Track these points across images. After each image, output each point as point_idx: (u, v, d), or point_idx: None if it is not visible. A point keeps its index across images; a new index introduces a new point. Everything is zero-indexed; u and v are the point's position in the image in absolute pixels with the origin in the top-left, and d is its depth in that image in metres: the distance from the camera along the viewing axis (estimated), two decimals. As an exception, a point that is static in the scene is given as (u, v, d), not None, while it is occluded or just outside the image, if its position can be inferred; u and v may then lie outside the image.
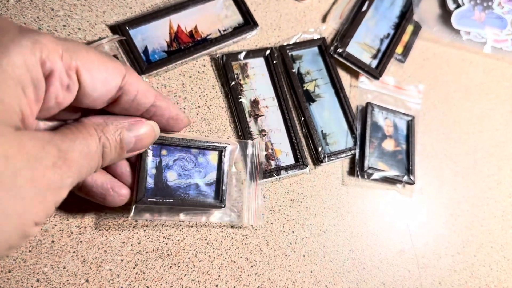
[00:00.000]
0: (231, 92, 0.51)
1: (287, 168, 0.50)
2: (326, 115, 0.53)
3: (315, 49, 0.55)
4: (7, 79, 0.24)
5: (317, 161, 0.51)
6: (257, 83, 0.51)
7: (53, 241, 0.43)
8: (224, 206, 0.46)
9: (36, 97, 0.27)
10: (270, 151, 0.50)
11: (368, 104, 0.55)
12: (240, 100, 0.50)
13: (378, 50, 0.57)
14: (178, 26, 0.51)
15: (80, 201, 0.44)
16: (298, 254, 0.49)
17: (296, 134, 0.51)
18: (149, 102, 0.36)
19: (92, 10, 0.50)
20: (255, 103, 0.51)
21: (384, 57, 0.56)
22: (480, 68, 0.63)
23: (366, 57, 0.56)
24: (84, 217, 0.44)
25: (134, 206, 0.44)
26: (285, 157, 0.51)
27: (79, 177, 0.29)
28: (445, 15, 0.62)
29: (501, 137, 0.61)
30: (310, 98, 0.53)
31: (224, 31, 0.53)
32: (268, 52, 0.53)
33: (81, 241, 0.44)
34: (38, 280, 0.42)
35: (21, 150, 0.24)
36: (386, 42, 0.57)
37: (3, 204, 0.22)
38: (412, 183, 0.54)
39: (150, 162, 0.45)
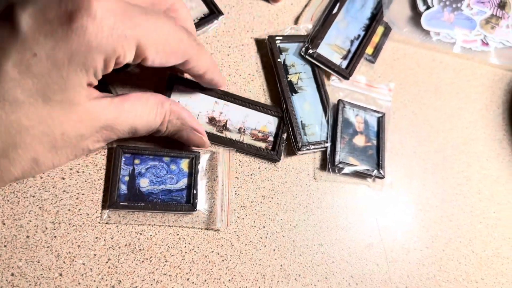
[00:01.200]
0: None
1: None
2: (307, 107, 0.55)
3: (301, 44, 0.57)
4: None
5: (296, 149, 0.53)
6: (193, 104, 0.52)
7: (27, 236, 0.45)
8: (196, 210, 0.48)
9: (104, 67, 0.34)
10: (260, 134, 0.52)
11: (339, 101, 0.57)
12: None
13: (349, 51, 0.59)
14: None
15: (54, 198, 0.46)
16: (268, 248, 0.50)
17: (258, 103, 0.53)
18: (201, 72, 0.44)
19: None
20: (211, 120, 0.52)
21: (354, 57, 0.57)
22: (450, 68, 0.65)
23: (336, 58, 0.58)
24: (59, 213, 0.46)
25: (107, 211, 0.46)
26: (272, 126, 0.54)
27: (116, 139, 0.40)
28: (415, 17, 0.64)
29: (470, 135, 0.63)
30: (293, 89, 0.55)
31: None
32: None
33: (55, 236, 0.45)
34: (12, 274, 0.44)
35: (79, 126, 0.34)
36: (356, 43, 0.59)
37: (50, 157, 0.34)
38: (382, 177, 0.55)
39: (123, 170, 0.47)
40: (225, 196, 0.50)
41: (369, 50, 0.60)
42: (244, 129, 0.52)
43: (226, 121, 0.52)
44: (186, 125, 0.44)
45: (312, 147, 0.53)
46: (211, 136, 0.50)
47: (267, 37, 0.56)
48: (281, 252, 0.51)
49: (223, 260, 0.49)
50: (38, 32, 0.31)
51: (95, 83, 0.35)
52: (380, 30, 0.61)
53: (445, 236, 0.57)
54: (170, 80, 0.50)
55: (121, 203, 0.47)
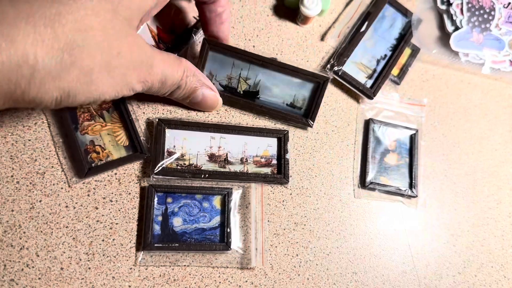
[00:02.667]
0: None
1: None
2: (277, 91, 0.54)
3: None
4: None
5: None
6: (190, 145, 0.51)
7: (62, 268, 0.44)
8: (230, 249, 0.47)
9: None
10: (263, 160, 0.52)
11: (370, 120, 0.56)
12: (203, 175, 0.50)
13: (374, 71, 0.58)
14: (157, 27, 0.52)
15: (88, 228, 0.45)
16: (302, 277, 0.50)
17: (253, 129, 0.52)
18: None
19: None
20: (212, 157, 0.51)
21: (380, 77, 0.57)
22: (479, 89, 0.65)
23: (361, 77, 0.57)
24: (92, 244, 0.45)
25: (142, 253, 0.46)
26: (272, 148, 0.53)
27: (147, 90, 0.41)
28: (444, 38, 0.63)
29: (500, 157, 0.62)
30: (252, 94, 0.53)
31: (199, 16, 0.54)
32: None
33: (89, 268, 0.45)
34: (47, 307, 0.43)
35: (131, 55, 0.36)
36: (382, 63, 0.58)
37: (104, 79, 0.35)
38: (415, 196, 0.55)
39: (156, 210, 0.47)
40: (259, 234, 0.49)
41: (395, 71, 0.60)
42: (246, 159, 0.51)
43: (227, 154, 0.51)
44: (201, 82, 0.46)
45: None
46: (216, 174, 0.49)
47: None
48: (315, 281, 0.50)
49: (257, 290, 0.48)
50: None
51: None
52: (407, 51, 0.61)
53: (477, 261, 0.57)
54: (159, 125, 0.49)
55: (155, 245, 0.46)
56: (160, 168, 0.48)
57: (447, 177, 0.59)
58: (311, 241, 0.51)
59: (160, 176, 0.48)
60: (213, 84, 0.51)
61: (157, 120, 0.49)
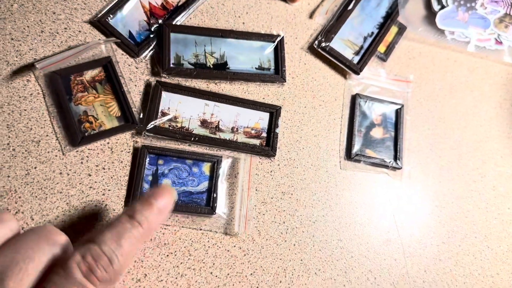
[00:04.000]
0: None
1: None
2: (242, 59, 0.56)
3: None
4: None
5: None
6: (184, 109, 0.53)
7: (56, 231, 0.46)
8: (215, 213, 0.49)
9: None
10: (253, 132, 0.53)
11: (356, 95, 0.58)
12: (193, 138, 0.51)
13: (361, 47, 0.60)
14: (149, 3, 0.54)
15: (81, 194, 0.47)
16: (288, 243, 0.51)
17: (248, 101, 0.54)
18: None
19: (91, 14, 0.53)
20: (203, 123, 0.53)
21: (366, 54, 0.59)
22: (465, 66, 0.66)
23: (348, 53, 0.59)
24: (85, 209, 0.47)
25: None
26: (264, 122, 0.54)
27: None
28: (430, 16, 0.65)
29: (485, 133, 0.64)
30: (221, 65, 0.55)
31: None
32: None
33: (83, 232, 0.46)
34: (42, 268, 0.45)
35: None
36: (369, 40, 0.60)
37: None
38: (399, 167, 0.56)
39: (147, 170, 0.49)
40: (244, 202, 0.51)
41: (382, 48, 0.61)
42: (237, 128, 0.53)
43: (218, 122, 0.53)
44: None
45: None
46: (206, 139, 0.51)
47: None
48: (301, 247, 0.52)
49: (245, 255, 0.50)
50: None
51: None
52: (394, 29, 0.62)
53: (461, 231, 0.58)
54: (156, 87, 0.51)
55: None
56: (153, 126, 0.50)
57: (432, 151, 0.60)
58: (298, 209, 0.53)
59: (152, 134, 0.50)
60: (182, 64, 0.53)
61: (155, 81, 0.51)
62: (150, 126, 0.50)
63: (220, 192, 0.50)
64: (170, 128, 0.51)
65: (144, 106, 0.51)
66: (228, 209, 0.50)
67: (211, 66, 0.54)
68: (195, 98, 0.52)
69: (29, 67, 0.49)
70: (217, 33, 0.55)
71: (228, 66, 0.55)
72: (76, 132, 0.48)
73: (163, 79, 0.52)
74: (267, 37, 0.56)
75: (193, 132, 0.51)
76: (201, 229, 0.49)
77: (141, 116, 0.51)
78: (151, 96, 0.51)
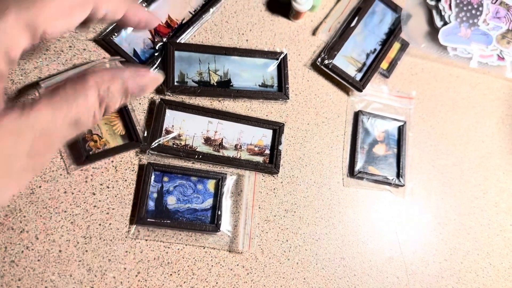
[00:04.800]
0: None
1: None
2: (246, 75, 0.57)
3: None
4: None
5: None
6: (188, 127, 0.53)
7: (60, 251, 0.46)
8: (219, 231, 0.50)
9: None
10: (256, 149, 0.53)
11: (359, 111, 0.58)
12: (197, 156, 0.52)
13: (364, 64, 0.60)
14: None
15: (85, 213, 0.47)
16: (291, 262, 0.51)
17: (251, 118, 0.54)
18: (118, 16, 0.36)
19: (96, 32, 0.53)
20: (207, 140, 0.53)
21: (369, 71, 0.59)
22: (467, 82, 0.66)
23: (351, 70, 0.59)
24: (89, 228, 0.47)
25: (134, 226, 0.48)
26: (267, 139, 0.55)
27: (64, 141, 0.30)
28: (433, 32, 0.65)
29: (487, 149, 0.64)
30: (225, 83, 0.56)
31: (194, 11, 0.56)
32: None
33: (86, 251, 0.47)
34: (46, 288, 0.45)
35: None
36: (372, 57, 0.60)
37: None
38: (402, 185, 0.57)
39: (152, 187, 0.49)
40: (248, 219, 0.51)
41: (384, 65, 0.61)
42: (240, 146, 0.54)
43: (222, 139, 0.53)
44: (126, 78, 0.33)
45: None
46: (209, 157, 0.51)
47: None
48: (304, 266, 0.52)
49: (248, 273, 0.50)
50: None
51: None
52: (396, 46, 0.62)
53: (463, 249, 0.58)
54: (161, 105, 0.52)
55: (148, 219, 0.48)
56: (157, 144, 0.50)
57: (434, 167, 0.60)
58: (301, 227, 0.53)
59: (156, 152, 0.50)
60: (186, 82, 0.54)
61: (159, 99, 0.51)
62: (154, 144, 0.50)
63: (224, 209, 0.50)
64: (174, 146, 0.51)
65: (149, 124, 0.51)
66: (232, 226, 0.51)
67: (215, 84, 0.55)
68: (198, 116, 0.53)
69: (34, 86, 0.49)
70: (221, 50, 0.55)
71: (231, 84, 0.55)
72: (80, 151, 0.48)
73: (167, 97, 0.52)
74: (271, 55, 0.57)
75: (197, 149, 0.52)
76: (205, 247, 0.49)
77: (145, 134, 0.51)
78: (155, 114, 0.51)
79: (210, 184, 0.51)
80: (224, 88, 0.55)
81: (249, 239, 0.50)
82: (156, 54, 0.54)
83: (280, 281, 0.50)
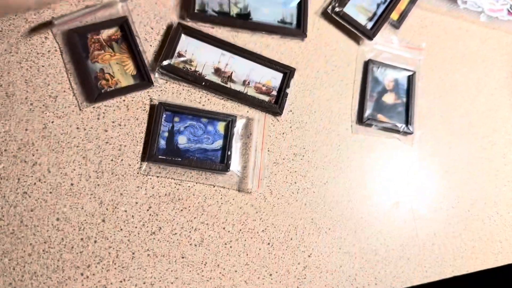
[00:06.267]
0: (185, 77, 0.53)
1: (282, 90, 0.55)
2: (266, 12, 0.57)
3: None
4: None
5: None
6: (201, 55, 0.54)
7: (72, 184, 0.47)
8: (229, 170, 0.50)
9: None
10: (264, 88, 0.54)
11: (369, 60, 0.58)
12: (204, 83, 0.52)
13: (374, 14, 0.60)
14: None
15: (98, 148, 0.48)
16: (300, 203, 0.52)
17: (264, 58, 0.55)
18: None
19: (108, -25, 0.53)
20: (217, 71, 0.54)
21: (379, 20, 0.59)
22: (477, 36, 0.66)
23: (362, 19, 0.59)
24: (101, 163, 0.48)
25: (146, 163, 0.48)
26: (276, 81, 0.55)
27: None
28: (443, -15, 0.65)
29: (496, 102, 0.64)
30: (244, 16, 0.56)
31: None
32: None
33: (98, 185, 0.47)
34: (58, 219, 0.46)
35: None
36: (382, 7, 0.60)
37: None
38: (410, 132, 0.57)
39: (163, 126, 0.50)
40: (257, 160, 0.51)
41: (395, 15, 0.61)
42: (248, 82, 0.54)
43: (232, 72, 0.54)
44: None
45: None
46: (216, 86, 0.52)
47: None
48: (312, 207, 0.52)
49: (256, 212, 0.50)
50: None
51: None
52: (407, -3, 0.62)
53: (471, 197, 0.59)
54: (177, 28, 0.52)
55: (159, 157, 0.49)
56: (167, 63, 0.51)
57: (443, 117, 0.61)
58: (309, 170, 0.53)
59: (165, 72, 0.51)
60: (206, 11, 0.55)
61: (177, 23, 0.52)
62: (165, 63, 0.50)
63: (234, 151, 0.51)
64: (184, 69, 0.52)
65: (163, 46, 0.52)
66: (241, 167, 0.51)
67: (235, 15, 0.55)
68: (213, 47, 0.53)
69: (47, 25, 0.50)
70: None
71: (251, 17, 0.56)
72: (92, 89, 0.49)
73: (185, 23, 0.53)
74: None
75: (206, 77, 0.52)
76: (215, 186, 0.50)
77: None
78: (170, 36, 0.52)
79: (220, 126, 0.51)
80: (243, 20, 0.55)
81: (258, 179, 0.51)
82: None
83: (288, 220, 0.51)
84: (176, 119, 0.50)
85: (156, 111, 0.49)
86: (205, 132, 0.51)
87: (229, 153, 0.50)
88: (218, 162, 0.50)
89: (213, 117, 0.51)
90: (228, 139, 0.51)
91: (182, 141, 0.50)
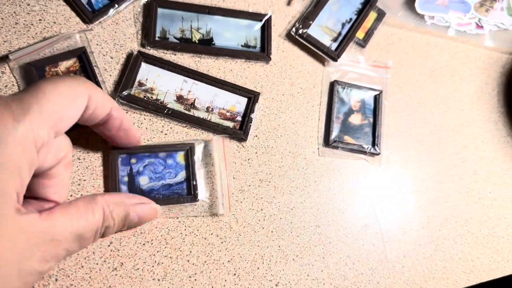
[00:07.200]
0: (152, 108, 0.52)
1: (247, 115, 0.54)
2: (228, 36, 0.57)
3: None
4: (6, 169, 0.26)
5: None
6: (162, 82, 0.53)
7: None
8: (197, 200, 0.49)
9: (30, 174, 0.30)
10: (228, 114, 0.53)
11: (335, 81, 0.58)
12: (166, 111, 0.51)
13: (339, 34, 0.59)
14: None
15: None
16: (266, 230, 0.52)
17: (227, 83, 0.54)
18: (105, 112, 0.39)
19: (66, 5, 0.52)
20: (179, 98, 0.53)
21: (344, 40, 0.58)
22: (445, 51, 0.66)
23: (326, 40, 0.59)
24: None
25: None
26: (241, 106, 0.54)
27: (66, 256, 0.32)
28: (410, 1, 0.64)
29: (466, 117, 0.64)
30: (207, 41, 0.56)
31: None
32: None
33: (58, 221, 0.47)
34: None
35: (14, 246, 0.27)
36: (347, 26, 0.60)
37: None
38: (377, 153, 0.57)
39: (121, 171, 0.48)
40: (224, 182, 0.51)
41: (361, 34, 0.61)
42: (212, 108, 0.53)
43: (195, 99, 0.53)
44: (129, 204, 0.39)
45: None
46: (179, 114, 0.51)
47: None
48: (278, 234, 0.52)
49: (222, 242, 0.50)
50: None
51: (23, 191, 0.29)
52: (372, 15, 0.62)
53: (441, 216, 0.58)
54: (137, 57, 0.51)
55: None
56: (127, 93, 0.50)
57: (411, 136, 0.60)
58: (276, 196, 0.53)
59: (125, 102, 0.50)
60: (168, 38, 0.54)
61: (137, 51, 0.52)
62: (124, 93, 0.50)
63: (199, 178, 0.50)
64: (145, 98, 0.51)
65: (122, 75, 0.51)
66: (210, 192, 0.50)
67: (197, 41, 0.55)
68: (175, 74, 0.53)
69: (3, 59, 0.49)
70: (204, 9, 0.56)
71: (213, 42, 0.55)
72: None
73: (146, 51, 0.53)
74: (255, 16, 0.57)
75: (168, 105, 0.51)
76: (178, 217, 0.49)
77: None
78: (130, 65, 0.51)
79: (180, 157, 0.51)
80: (206, 45, 0.55)
81: (228, 200, 0.50)
82: (110, 4, 0.53)
83: (254, 249, 0.51)
84: (133, 160, 0.49)
85: (110, 158, 0.48)
86: (166, 167, 0.50)
87: (194, 182, 0.50)
88: (186, 194, 0.49)
89: (170, 149, 0.50)
90: (191, 168, 0.50)
91: (144, 181, 0.49)
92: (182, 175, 0.50)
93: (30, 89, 0.31)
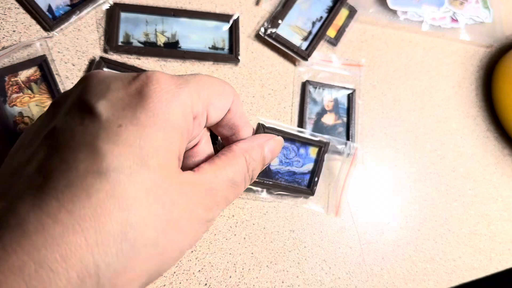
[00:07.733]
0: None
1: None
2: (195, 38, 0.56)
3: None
4: (173, 129, 0.29)
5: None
6: None
7: None
8: (313, 195, 0.51)
9: (188, 138, 0.32)
10: None
11: (306, 81, 0.56)
12: None
13: (310, 33, 0.58)
14: None
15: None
16: (238, 237, 0.50)
17: None
18: (242, 124, 0.38)
19: (26, 12, 0.51)
20: None
21: (314, 39, 0.57)
22: (420, 47, 0.65)
23: (296, 39, 0.57)
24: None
25: None
26: None
27: (226, 204, 0.34)
28: (381, -3, 0.63)
29: (443, 113, 0.62)
30: (172, 45, 0.55)
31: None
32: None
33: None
34: None
35: (182, 197, 0.29)
36: (318, 25, 0.58)
37: (172, 239, 0.28)
38: (351, 154, 0.55)
39: None
40: (339, 186, 0.55)
41: (332, 32, 0.60)
42: None
43: None
44: (261, 144, 0.39)
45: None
46: None
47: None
48: (251, 240, 0.50)
49: (192, 251, 0.48)
50: (115, 109, 0.28)
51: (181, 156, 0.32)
52: (344, 13, 0.61)
53: (420, 215, 0.57)
54: (99, 64, 0.50)
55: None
56: None
57: (386, 135, 0.59)
58: (247, 202, 0.51)
59: None
60: (131, 42, 0.53)
61: (99, 57, 0.51)
62: None
63: (321, 176, 0.53)
64: None
65: None
66: (324, 193, 0.53)
67: (162, 45, 0.54)
68: None
69: (-40, 70, 0.48)
70: (169, 12, 0.54)
71: (179, 46, 0.54)
72: (10, 135, 0.47)
73: (108, 56, 0.51)
74: (222, 17, 0.56)
75: None
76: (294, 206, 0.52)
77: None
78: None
79: (312, 150, 0.53)
80: (171, 49, 0.54)
81: (338, 204, 0.54)
82: (72, 11, 0.52)
83: (226, 257, 0.49)
84: None
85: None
86: (297, 155, 0.52)
87: (316, 179, 0.52)
88: (305, 186, 0.52)
89: (308, 142, 0.52)
90: (318, 164, 0.52)
91: (274, 162, 0.51)
92: (307, 167, 0.52)
93: (186, 75, 0.33)
